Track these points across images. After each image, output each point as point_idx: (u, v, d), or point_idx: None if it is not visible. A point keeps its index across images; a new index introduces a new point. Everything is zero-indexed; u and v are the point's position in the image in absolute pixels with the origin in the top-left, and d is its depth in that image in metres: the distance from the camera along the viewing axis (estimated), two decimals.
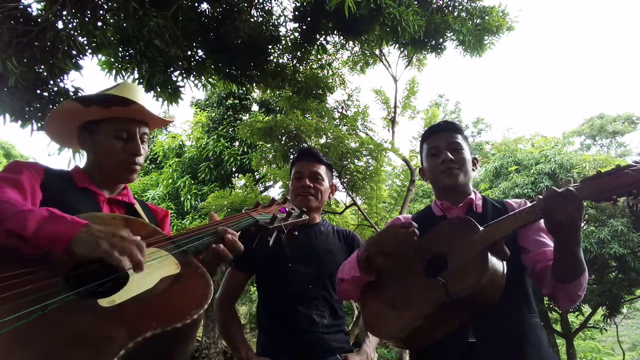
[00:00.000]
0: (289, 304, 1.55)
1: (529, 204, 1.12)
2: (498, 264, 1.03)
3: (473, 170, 1.40)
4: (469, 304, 1.02)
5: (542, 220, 1.23)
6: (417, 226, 1.14)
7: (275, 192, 10.60)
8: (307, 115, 6.46)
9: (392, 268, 1.22)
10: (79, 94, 3.37)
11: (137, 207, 1.24)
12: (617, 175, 0.95)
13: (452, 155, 1.33)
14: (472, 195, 1.36)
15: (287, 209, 1.28)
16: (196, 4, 4.05)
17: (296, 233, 1.28)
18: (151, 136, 1.37)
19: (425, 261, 1.16)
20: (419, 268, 1.16)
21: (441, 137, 1.38)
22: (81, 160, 3.03)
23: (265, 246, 1.17)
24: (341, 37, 4.94)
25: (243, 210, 1.22)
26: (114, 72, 3.56)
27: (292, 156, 6.23)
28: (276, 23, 4.63)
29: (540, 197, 1.03)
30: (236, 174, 10.18)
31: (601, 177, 0.98)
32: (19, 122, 3.18)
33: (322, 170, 1.76)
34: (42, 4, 3.10)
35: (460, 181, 1.33)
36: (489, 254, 1.03)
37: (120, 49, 3.48)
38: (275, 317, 1.57)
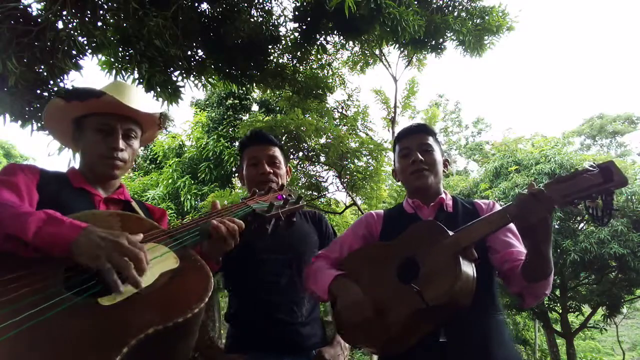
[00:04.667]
0: (265, 293, 1.49)
1: (497, 207, 1.15)
2: (469, 269, 1.05)
3: (444, 172, 1.43)
4: (444, 309, 1.03)
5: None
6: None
7: None
8: (307, 115, 6.46)
9: (361, 274, 1.23)
10: None
11: (134, 204, 1.24)
12: (578, 180, 0.97)
13: (422, 156, 1.36)
14: (443, 195, 1.39)
15: (284, 196, 1.27)
16: (196, 4, 4.05)
17: (294, 220, 1.27)
18: (145, 133, 1.38)
19: (396, 266, 1.17)
20: (391, 273, 1.16)
21: (413, 138, 1.41)
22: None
23: (263, 234, 1.17)
24: (341, 37, 4.93)
25: (240, 200, 1.22)
26: (114, 72, 3.55)
27: (292, 156, 6.23)
28: (276, 23, 4.63)
29: (512, 202, 1.05)
30: (236, 174, 10.17)
31: (563, 181, 1.00)
32: (19, 122, 3.18)
33: (277, 153, 1.67)
34: (42, 4, 3.09)
35: (430, 183, 1.36)
36: (461, 259, 1.05)
37: (120, 49, 3.48)
38: (252, 308, 1.50)
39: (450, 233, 1.12)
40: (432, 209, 1.36)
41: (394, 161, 1.50)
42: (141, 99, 1.21)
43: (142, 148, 1.27)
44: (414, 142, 1.39)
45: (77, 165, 1.25)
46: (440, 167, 1.40)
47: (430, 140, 1.40)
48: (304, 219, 1.70)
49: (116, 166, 1.17)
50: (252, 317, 1.50)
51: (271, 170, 1.61)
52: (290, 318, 1.47)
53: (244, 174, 1.68)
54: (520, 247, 1.22)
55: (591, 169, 0.96)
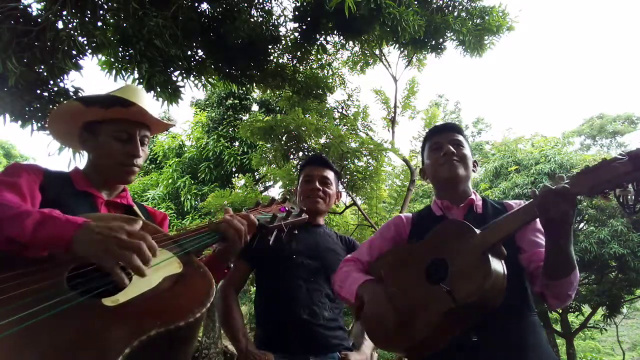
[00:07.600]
0: (291, 294, 1.56)
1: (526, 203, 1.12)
2: (499, 266, 1.03)
3: (473, 172, 1.41)
4: (475, 308, 1.02)
5: (537, 220, 1.23)
6: None
7: (275, 192, 10.61)
8: (307, 115, 6.45)
9: (391, 277, 1.23)
10: (79, 94, 3.38)
11: (136, 209, 1.24)
12: (606, 169, 0.95)
13: (454, 149, 1.35)
14: (473, 196, 1.36)
15: (286, 208, 1.28)
16: (196, 4, 4.06)
17: (296, 232, 1.28)
18: (151, 137, 1.40)
19: (424, 267, 1.16)
20: (419, 275, 1.15)
21: (444, 135, 1.40)
22: (81, 160, 3.04)
23: (265, 245, 1.17)
24: (341, 37, 4.94)
25: (243, 210, 1.23)
26: (114, 72, 3.56)
27: (292, 156, 6.24)
28: (276, 23, 4.63)
29: (536, 194, 1.03)
30: (236, 174, 10.17)
31: (590, 171, 0.97)
32: (19, 122, 3.18)
33: (331, 176, 1.83)
34: (42, 4, 3.10)
35: (460, 174, 1.33)
36: (490, 256, 1.03)
37: (120, 49, 3.48)
38: (276, 308, 1.57)
39: (477, 231, 1.10)
40: (462, 210, 1.34)
41: (423, 160, 1.48)
42: (151, 102, 1.22)
43: None
44: (445, 138, 1.38)
45: (81, 166, 1.25)
46: (471, 163, 1.38)
47: (461, 138, 1.40)
48: (338, 239, 1.82)
49: (133, 172, 1.19)
50: (275, 317, 1.56)
51: (320, 188, 1.78)
52: (313, 319, 1.52)
53: (298, 189, 1.86)
54: None
55: (620, 157, 0.94)
